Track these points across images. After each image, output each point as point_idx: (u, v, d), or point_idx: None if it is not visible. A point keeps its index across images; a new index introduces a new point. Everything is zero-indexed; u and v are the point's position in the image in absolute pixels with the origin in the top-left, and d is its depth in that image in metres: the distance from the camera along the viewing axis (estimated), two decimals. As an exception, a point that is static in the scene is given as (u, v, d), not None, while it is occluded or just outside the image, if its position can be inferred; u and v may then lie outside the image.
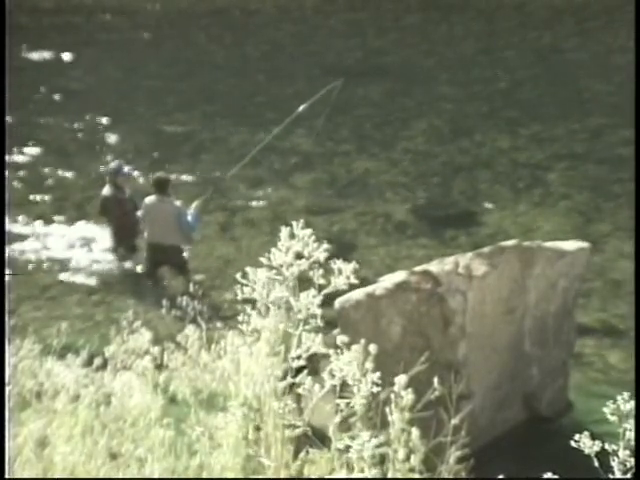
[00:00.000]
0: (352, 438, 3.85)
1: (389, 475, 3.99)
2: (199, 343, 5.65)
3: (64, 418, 4.85)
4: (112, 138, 14.79)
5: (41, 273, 10.04)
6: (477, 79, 17.84)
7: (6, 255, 9.56)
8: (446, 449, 4.43)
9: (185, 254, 9.66)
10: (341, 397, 4.03)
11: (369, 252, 10.39)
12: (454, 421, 4.50)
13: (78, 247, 10.59)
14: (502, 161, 13.51)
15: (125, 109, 16.34)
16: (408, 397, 3.94)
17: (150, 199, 9.57)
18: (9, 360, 5.04)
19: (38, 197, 12.20)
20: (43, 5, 23.66)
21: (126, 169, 10.37)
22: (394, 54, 19.91)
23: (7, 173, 11.94)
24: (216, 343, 5.64)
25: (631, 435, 3.25)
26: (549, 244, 6.93)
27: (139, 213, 9.76)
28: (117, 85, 17.96)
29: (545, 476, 3.27)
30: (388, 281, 6.24)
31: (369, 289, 6.19)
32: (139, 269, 9.90)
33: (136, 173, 12.00)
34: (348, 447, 3.81)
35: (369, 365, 3.92)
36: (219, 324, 8.14)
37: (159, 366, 5.59)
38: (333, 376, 3.99)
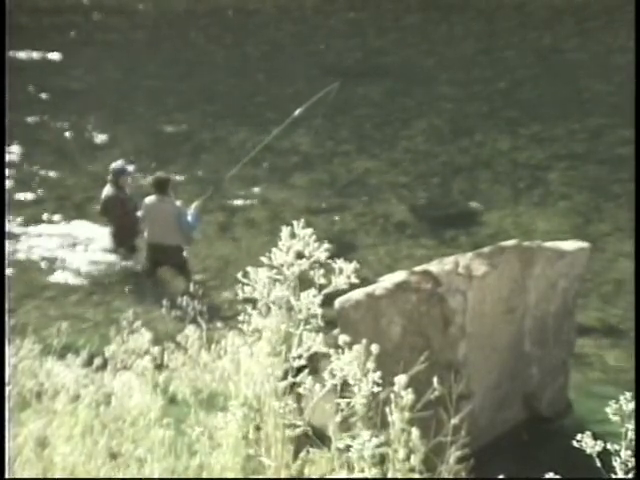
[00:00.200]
0: (352, 438, 3.86)
1: (389, 475, 4.00)
2: (199, 343, 5.64)
3: (64, 418, 4.85)
4: (112, 138, 14.76)
5: (38, 273, 10.03)
6: (477, 79, 17.83)
7: (6, 255, 9.55)
8: (446, 449, 4.44)
9: (185, 254, 9.66)
10: (342, 397, 4.03)
11: (369, 252, 10.38)
12: (454, 421, 4.51)
13: (78, 247, 10.58)
14: (502, 161, 13.51)
15: (125, 109, 16.32)
16: (408, 397, 3.94)
17: (150, 199, 9.57)
18: (9, 360, 5.03)
19: (35, 196, 12.20)
20: (42, 5, 23.62)
21: (130, 168, 10.41)
22: (394, 54, 19.89)
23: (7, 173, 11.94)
24: (216, 343, 5.63)
25: (633, 435, 3.25)
26: (549, 244, 6.93)
27: (139, 213, 9.76)
28: (117, 85, 17.94)
29: (546, 476, 3.27)
30: (388, 281, 6.25)
31: (369, 289, 6.19)
32: (139, 269, 9.90)
33: (136, 173, 11.99)
34: (348, 447, 3.82)
35: (370, 365, 3.92)
36: (219, 324, 8.15)
37: (159, 366, 5.58)
38: (334, 376, 3.99)
